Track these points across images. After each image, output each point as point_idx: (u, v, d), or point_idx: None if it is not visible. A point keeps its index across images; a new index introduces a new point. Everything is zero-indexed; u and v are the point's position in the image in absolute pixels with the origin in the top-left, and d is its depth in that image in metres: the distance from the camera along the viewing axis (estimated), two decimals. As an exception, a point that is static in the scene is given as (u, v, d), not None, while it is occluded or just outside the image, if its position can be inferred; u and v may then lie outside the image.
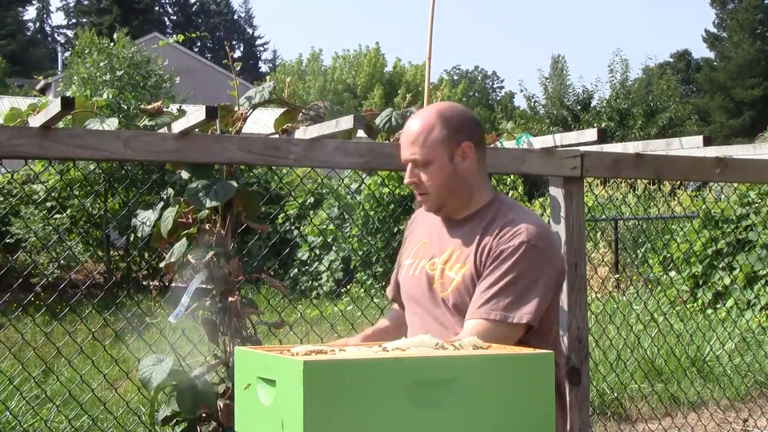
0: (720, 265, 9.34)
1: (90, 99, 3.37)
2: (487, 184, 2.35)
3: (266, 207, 11.43)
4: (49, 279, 11.81)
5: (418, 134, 2.25)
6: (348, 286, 12.09)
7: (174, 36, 25.82)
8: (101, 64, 15.46)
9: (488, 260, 2.20)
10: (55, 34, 62.80)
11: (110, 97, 13.24)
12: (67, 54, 27.22)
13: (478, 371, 1.65)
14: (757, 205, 9.40)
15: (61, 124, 2.77)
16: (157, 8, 58.64)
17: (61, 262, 13.07)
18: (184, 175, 2.94)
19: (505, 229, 2.21)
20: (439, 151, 2.24)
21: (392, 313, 2.58)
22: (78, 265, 13.03)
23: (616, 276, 11.08)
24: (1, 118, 3.09)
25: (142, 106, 3.09)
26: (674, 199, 13.01)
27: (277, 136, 3.08)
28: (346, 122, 2.84)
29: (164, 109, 3.03)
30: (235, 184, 2.88)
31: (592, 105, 27.72)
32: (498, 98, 52.40)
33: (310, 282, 13.06)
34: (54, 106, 2.56)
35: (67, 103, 2.53)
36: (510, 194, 11.93)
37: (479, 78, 57.43)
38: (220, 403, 2.85)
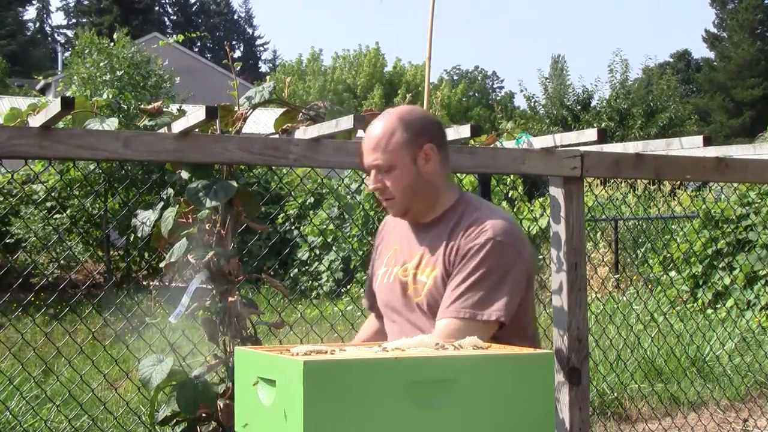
0: (720, 265, 9.35)
1: (90, 99, 3.37)
2: (452, 185, 2.35)
3: (266, 207, 11.43)
4: (49, 279, 11.81)
5: (380, 139, 2.24)
6: (348, 286, 12.09)
7: (174, 36, 25.83)
8: (101, 64, 15.46)
9: (456, 260, 2.20)
10: (55, 34, 62.85)
11: (110, 97, 13.24)
12: (67, 54, 27.22)
13: (478, 371, 1.65)
14: (757, 205, 9.40)
15: (61, 124, 2.77)
16: (157, 8, 58.67)
17: (61, 262, 13.07)
18: (184, 175, 2.93)
19: (471, 228, 2.21)
20: (402, 155, 2.24)
21: (369, 323, 2.58)
22: (78, 265, 13.03)
23: (616, 276, 11.08)
24: (1, 118, 3.09)
25: (142, 106, 3.09)
26: (674, 199, 13.01)
27: (277, 136, 3.08)
28: (346, 122, 2.84)
29: (164, 109, 3.03)
30: (235, 184, 2.87)
31: (592, 105, 27.73)
32: (498, 98, 52.39)
33: (310, 282, 13.06)
34: (54, 106, 2.56)
35: (67, 103, 2.52)
36: (510, 194, 11.93)
37: (479, 78, 57.40)
38: (220, 403, 2.85)
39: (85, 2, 55.64)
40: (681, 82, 42.27)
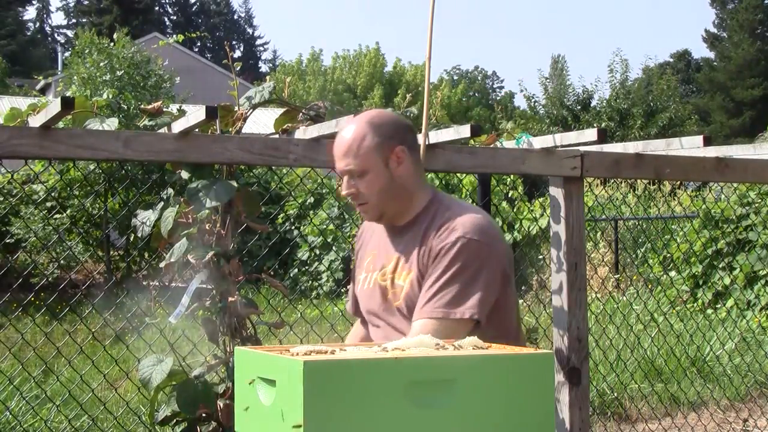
0: (720, 265, 9.35)
1: (90, 99, 3.37)
2: (425, 186, 2.34)
3: (266, 207, 11.42)
4: (49, 279, 11.80)
5: (351, 145, 2.24)
6: (348, 286, 12.08)
7: (174, 36, 25.83)
8: (101, 64, 15.46)
9: (429, 261, 2.20)
10: (55, 34, 62.86)
11: (110, 97, 13.24)
12: (67, 54, 27.22)
13: (478, 371, 1.65)
14: (757, 205, 9.40)
15: (61, 124, 2.77)
16: (157, 8, 58.68)
17: (61, 262, 13.07)
18: (184, 175, 2.93)
19: (442, 228, 2.21)
20: (374, 159, 2.23)
21: (356, 329, 2.58)
22: (78, 265, 13.03)
23: (616, 276, 11.08)
24: (1, 118, 3.09)
25: (142, 106, 3.09)
26: (674, 199, 13.01)
27: (277, 136, 3.08)
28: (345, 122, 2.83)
29: (164, 109, 3.03)
30: (235, 184, 2.87)
31: (592, 105, 27.74)
32: (498, 98, 52.40)
33: (310, 282, 13.06)
34: (54, 106, 2.56)
35: (67, 103, 2.53)
36: (510, 194, 11.93)
37: (479, 78, 57.39)
38: (220, 403, 2.85)
39: (85, 2, 55.65)
40: (681, 82, 42.28)
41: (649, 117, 26.15)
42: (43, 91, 30.41)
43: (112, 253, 13.74)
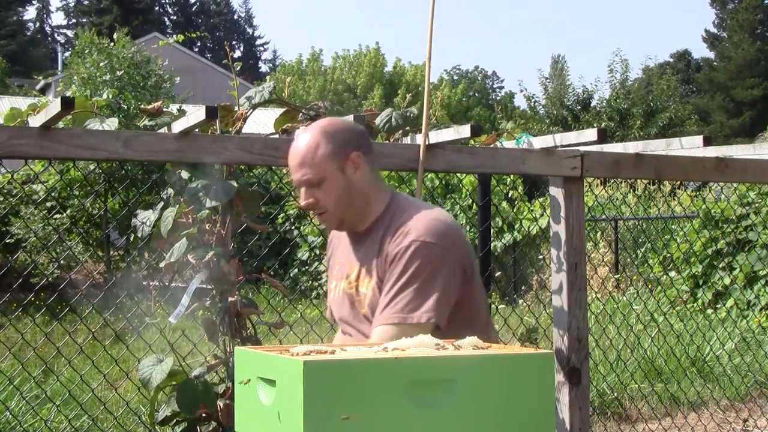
0: (720, 265, 9.35)
1: (90, 99, 3.37)
2: (383, 190, 2.33)
3: (266, 207, 11.42)
4: (49, 279, 11.80)
5: (305, 155, 2.23)
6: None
7: (174, 36, 25.84)
8: (101, 64, 15.46)
9: (386, 266, 2.19)
10: (55, 34, 62.86)
11: (110, 97, 13.24)
12: (67, 54, 27.22)
13: (478, 371, 1.65)
14: (757, 205, 9.40)
15: (61, 124, 2.77)
16: (157, 8, 58.68)
17: (61, 262, 13.07)
18: (184, 175, 2.93)
19: (397, 233, 2.20)
20: (330, 167, 2.23)
21: (338, 336, 2.59)
22: (78, 265, 13.03)
23: (616, 276, 11.08)
24: (1, 118, 3.09)
25: (142, 106, 3.09)
26: (674, 199, 13.01)
27: (277, 136, 3.08)
28: (346, 122, 2.83)
29: (164, 109, 3.03)
30: (235, 184, 2.87)
31: (592, 105, 27.74)
32: (498, 98, 52.40)
33: (310, 282, 13.06)
34: (54, 106, 2.56)
35: (67, 103, 2.53)
36: (510, 194, 11.93)
37: (479, 78, 57.36)
38: (220, 403, 2.85)
39: (85, 2, 55.65)
40: (681, 82, 42.28)
41: (649, 117, 26.15)
42: (43, 91, 30.41)
43: (112, 253, 13.75)
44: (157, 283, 3.08)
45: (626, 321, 7.43)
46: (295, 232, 13.15)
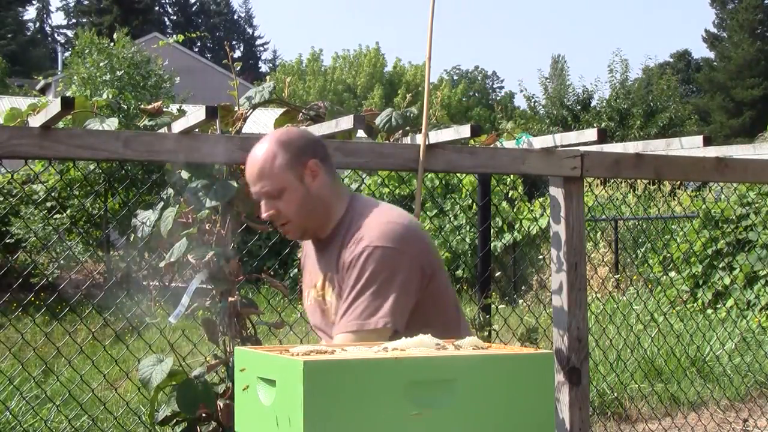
0: (720, 265, 9.35)
1: (90, 99, 3.37)
2: (342, 195, 2.32)
3: (266, 207, 11.37)
4: (49, 279, 11.80)
5: (263, 166, 2.23)
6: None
7: (174, 36, 25.84)
8: (101, 64, 15.46)
9: (344, 274, 2.19)
10: (55, 34, 62.86)
11: (110, 97, 13.23)
12: (67, 54, 27.23)
13: (478, 371, 1.65)
14: (757, 205, 9.40)
15: (61, 124, 2.77)
16: (157, 8, 58.69)
17: (61, 262, 13.07)
18: (184, 175, 2.93)
19: (352, 239, 2.20)
20: (288, 176, 2.22)
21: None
22: (78, 265, 13.03)
23: (616, 276, 11.08)
24: (1, 118, 3.09)
25: (142, 106, 3.09)
26: (674, 199, 13.01)
27: (277, 136, 3.08)
28: (346, 122, 2.84)
29: (164, 109, 3.03)
30: (235, 184, 2.87)
31: (592, 105, 27.74)
32: (498, 98, 52.41)
33: (310, 282, 13.03)
34: (54, 106, 2.56)
35: (67, 103, 2.53)
36: (510, 194, 11.93)
37: (479, 78, 57.38)
38: (220, 403, 2.85)
39: (85, 2, 55.65)
40: (681, 82, 42.26)
41: (649, 117, 26.15)
42: (43, 91, 30.41)
43: (112, 253, 13.74)
44: (157, 283, 3.08)
45: (626, 321, 7.43)
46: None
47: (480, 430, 1.63)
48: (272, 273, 12.03)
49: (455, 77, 52.82)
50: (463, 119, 35.38)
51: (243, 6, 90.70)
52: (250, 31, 67.20)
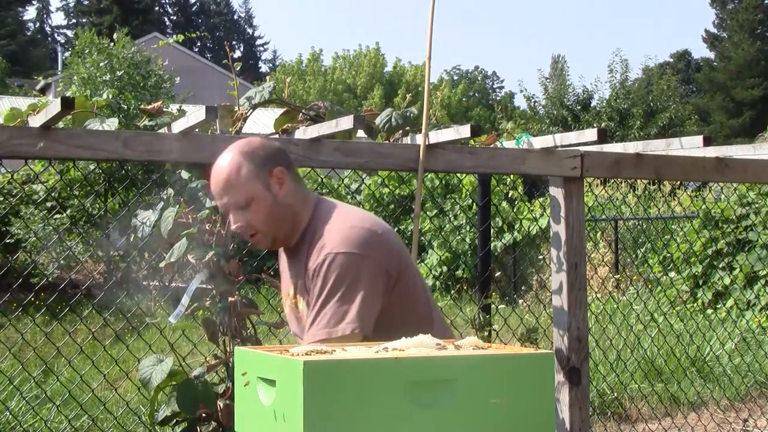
0: (720, 265, 9.35)
1: (90, 99, 3.37)
2: (308, 201, 2.31)
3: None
4: (49, 279, 11.80)
5: (229, 178, 2.23)
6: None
7: (174, 36, 25.85)
8: (101, 64, 15.46)
9: (309, 283, 2.20)
10: (55, 34, 62.86)
11: (110, 97, 13.23)
12: (67, 54, 27.23)
13: (478, 371, 1.65)
14: (757, 205, 9.40)
15: (61, 124, 2.77)
16: (157, 8, 58.68)
17: (61, 262, 13.07)
18: (184, 175, 2.93)
19: (315, 247, 2.20)
20: (255, 186, 2.22)
21: None
22: (78, 265, 13.03)
23: (616, 276, 11.08)
24: (1, 118, 3.09)
25: (142, 106, 3.09)
26: (674, 199, 13.01)
27: (277, 136, 3.08)
28: (346, 122, 2.84)
29: (164, 109, 3.03)
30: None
31: (592, 105, 27.73)
32: (498, 98, 52.41)
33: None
34: (54, 106, 2.56)
35: (67, 103, 2.53)
36: (510, 194, 11.93)
37: (479, 78, 57.39)
38: (220, 403, 2.85)
39: (85, 2, 55.65)
40: (681, 82, 42.26)
41: (649, 117, 26.16)
42: (43, 91, 30.41)
43: (112, 253, 13.74)
44: (157, 283, 3.08)
45: (626, 321, 7.43)
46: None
47: (480, 430, 1.63)
48: (272, 273, 12.02)
49: (455, 77, 52.84)
50: (463, 119, 35.39)
51: (243, 6, 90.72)
52: (250, 31, 67.21)
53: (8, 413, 5.01)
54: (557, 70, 36.53)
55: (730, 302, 9.02)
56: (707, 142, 3.27)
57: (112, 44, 16.35)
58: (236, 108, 3.02)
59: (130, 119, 12.48)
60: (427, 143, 3.03)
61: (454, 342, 1.79)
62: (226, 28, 64.17)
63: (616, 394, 6.00)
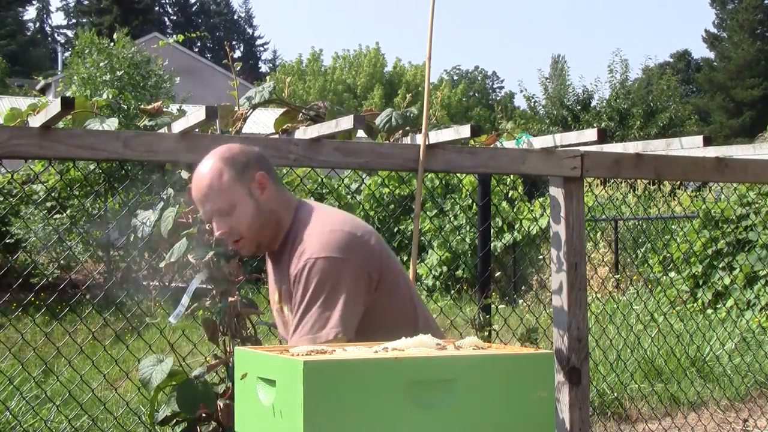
0: (720, 265, 9.35)
1: (90, 99, 3.37)
2: (289, 205, 2.31)
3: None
4: (49, 279, 11.80)
5: (211, 185, 2.23)
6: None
7: (174, 36, 25.85)
8: (101, 64, 15.46)
9: (292, 289, 2.20)
10: (55, 34, 62.85)
11: (110, 97, 13.23)
12: (67, 54, 27.23)
13: (478, 371, 1.65)
14: (757, 205, 9.40)
15: (61, 124, 2.77)
16: (157, 8, 58.67)
17: (61, 262, 13.07)
18: (184, 175, 2.94)
19: (296, 253, 2.20)
20: (238, 192, 2.23)
21: None
22: (78, 265, 13.03)
23: (616, 276, 11.08)
24: (1, 118, 3.09)
25: (142, 106, 3.09)
26: (674, 199, 13.00)
27: (277, 136, 3.08)
28: (346, 122, 2.84)
29: (164, 109, 3.03)
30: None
31: (592, 105, 27.73)
32: (498, 98, 52.41)
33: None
34: (54, 106, 2.56)
35: (67, 103, 2.53)
36: (510, 194, 11.93)
37: (479, 78, 57.38)
38: (220, 403, 2.85)
39: (85, 2, 55.65)
40: (681, 82, 42.24)
41: (649, 117, 26.15)
42: (43, 91, 30.40)
43: (112, 253, 13.73)
44: (157, 283, 3.08)
45: (626, 321, 7.43)
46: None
47: (480, 430, 1.63)
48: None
49: (455, 77, 52.83)
50: (463, 119, 35.39)
51: (243, 6, 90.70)
52: (250, 31, 67.21)
53: (8, 413, 5.01)
54: (557, 70, 36.54)
55: (730, 302, 9.02)
56: (707, 142, 3.27)
57: (112, 44, 16.35)
58: (236, 108, 3.02)
59: (130, 119, 12.48)
60: (427, 143, 3.03)
61: (454, 342, 1.79)
62: (226, 28, 64.17)
63: (616, 394, 6.00)
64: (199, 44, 58.44)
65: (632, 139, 22.84)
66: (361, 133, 3.14)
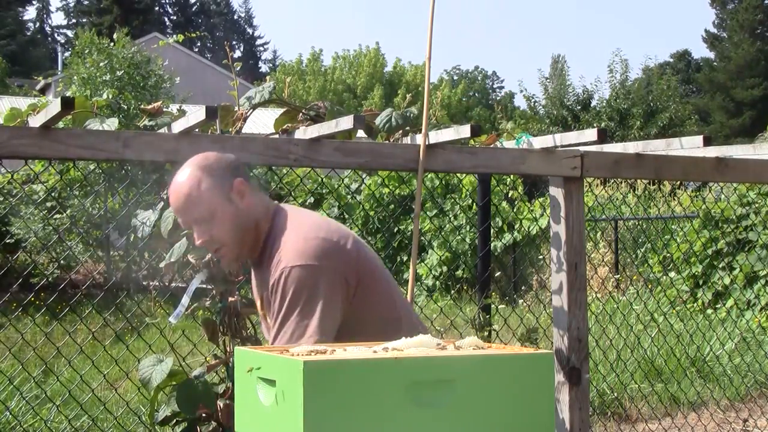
0: (720, 265, 9.35)
1: (90, 99, 3.37)
2: (267, 211, 2.31)
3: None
4: (49, 279, 11.80)
5: (190, 194, 2.23)
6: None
7: (174, 36, 25.85)
8: (101, 64, 15.46)
9: (270, 298, 2.20)
10: (55, 34, 62.85)
11: (110, 97, 13.23)
12: (67, 54, 27.24)
13: (478, 371, 1.65)
14: (757, 205, 9.40)
15: (61, 124, 2.77)
16: (157, 8, 58.68)
17: (61, 262, 13.06)
18: (184, 175, 2.93)
19: (273, 262, 2.20)
20: (217, 199, 2.23)
21: None
22: (78, 265, 13.02)
23: (616, 276, 11.08)
24: (1, 118, 3.09)
25: (142, 106, 3.09)
26: (674, 199, 13.00)
27: (277, 136, 3.08)
28: (346, 122, 2.84)
29: (164, 109, 3.03)
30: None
31: (592, 105, 27.74)
32: (498, 98, 52.41)
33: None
34: (54, 106, 2.56)
35: (67, 103, 2.53)
36: (510, 194, 11.93)
37: (479, 78, 57.38)
38: (220, 403, 2.85)
39: (85, 2, 55.68)
40: (681, 82, 42.23)
41: (649, 117, 26.17)
42: (43, 91, 30.40)
43: (112, 253, 13.74)
44: (157, 283, 3.08)
45: (626, 321, 7.43)
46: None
47: (480, 430, 1.63)
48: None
49: (455, 77, 52.83)
50: (463, 119, 35.38)
51: (243, 6, 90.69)
52: (250, 31, 67.22)
53: (8, 413, 5.01)
54: (557, 70, 36.51)
55: (730, 302, 9.02)
56: (707, 142, 3.27)
57: (112, 44, 16.35)
58: (236, 108, 3.02)
59: (130, 119, 12.48)
60: (427, 143, 3.03)
61: (454, 342, 1.79)
62: (226, 28, 64.16)
63: (616, 394, 6.00)
64: (199, 44, 58.46)
65: (632, 139, 22.85)
66: (361, 133, 3.14)
